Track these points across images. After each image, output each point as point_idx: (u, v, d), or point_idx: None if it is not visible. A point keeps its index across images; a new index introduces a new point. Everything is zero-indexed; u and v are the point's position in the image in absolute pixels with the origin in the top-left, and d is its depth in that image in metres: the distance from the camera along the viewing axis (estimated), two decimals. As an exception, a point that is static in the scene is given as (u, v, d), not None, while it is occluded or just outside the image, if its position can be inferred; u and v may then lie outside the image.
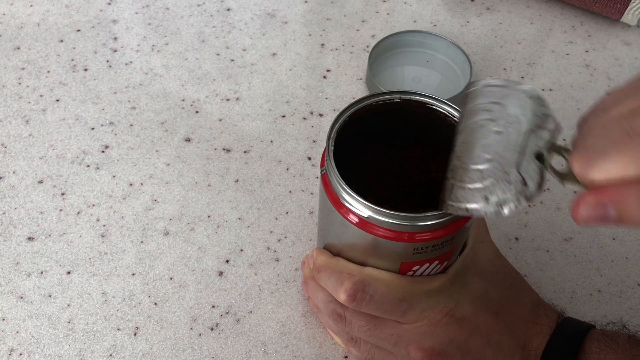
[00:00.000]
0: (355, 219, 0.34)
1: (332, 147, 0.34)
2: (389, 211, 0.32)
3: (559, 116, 0.60)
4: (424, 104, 0.37)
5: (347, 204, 0.34)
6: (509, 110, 0.31)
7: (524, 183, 0.29)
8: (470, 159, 0.31)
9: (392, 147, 0.40)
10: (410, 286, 0.36)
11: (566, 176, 0.28)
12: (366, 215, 0.33)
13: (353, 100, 0.36)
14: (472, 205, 0.30)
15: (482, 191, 0.30)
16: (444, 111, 0.37)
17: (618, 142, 0.25)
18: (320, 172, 0.36)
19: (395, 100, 0.37)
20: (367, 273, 0.36)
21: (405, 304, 0.36)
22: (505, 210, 0.29)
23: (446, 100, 0.37)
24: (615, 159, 0.25)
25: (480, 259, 0.39)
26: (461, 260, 0.38)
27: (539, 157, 0.29)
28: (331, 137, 0.35)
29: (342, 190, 0.33)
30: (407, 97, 0.37)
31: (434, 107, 0.37)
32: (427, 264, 0.36)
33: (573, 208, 0.27)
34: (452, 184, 0.32)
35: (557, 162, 0.29)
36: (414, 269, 0.36)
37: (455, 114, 0.36)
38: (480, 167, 0.30)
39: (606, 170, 0.25)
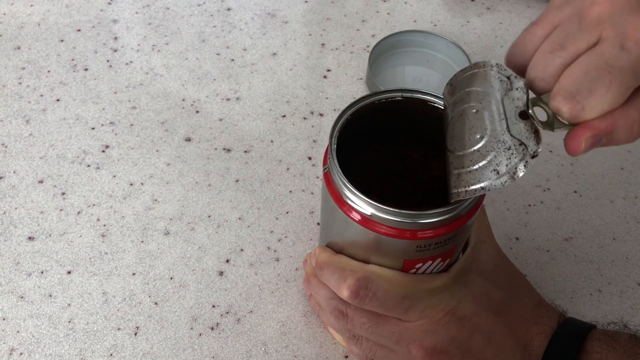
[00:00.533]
0: (357, 217, 0.34)
1: (335, 145, 0.34)
2: (391, 209, 0.32)
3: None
4: (425, 102, 0.37)
5: (349, 202, 0.34)
6: (477, 89, 0.32)
7: (522, 144, 0.30)
8: (465, 146, 0.32)
9: (394, 145, 0.40)
10: (412, 284, 0.36)
11: (553, 123, 0.30)
12: (369, 213, 0.33)
13: (355, 99, 0.36)
14: (486, 183, 0.31)
15: (488, 167, 0.31)
16: None
17: (601, 79, 0.28)
18: (323, 170, 0.36)
19: (397, 98, 0.37)
20: (370, 270, 0.36)
21: (407, 302, 0.36)
22: (520, 174, 0.30)
23: None
24: (604, 96, 0.28)
25: (483, 258, 0.39)
26: (463, 259, 0.38)
27: (523, 115, 0.31)
28: (334, 135, 0.35)
29: (344, 188, 0.33)
30: (409, 95, 0.37)
31: (435, 105, 0.37)
32: (430, 262, 0.36)
33: (572, 144, 0.30)
34: (456, 173, 0.32)
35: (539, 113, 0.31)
36: (417, 266, 0.36)
37: None
38: (476, 147, 0.31)
39: (599, 107, 0.28)
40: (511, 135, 0.30)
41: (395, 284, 0.36)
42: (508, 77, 0.32)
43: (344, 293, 0.36)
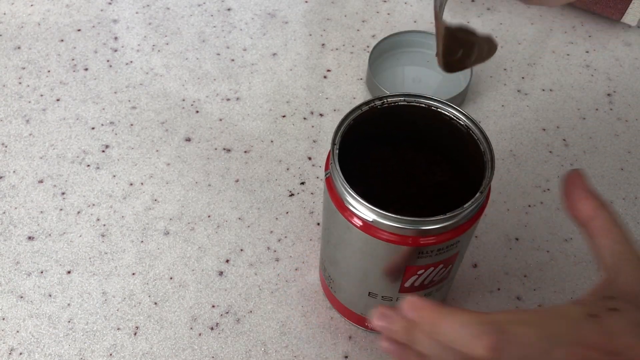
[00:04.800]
0: (359, 223, 0.34)
1: (337, 151, 0.34)
2: (393, 215, 0.32)
3: (559, 116, 0.60)
4: (428, 106, 0.37)
5: (351, 208, 0.34)
6: None
7: None
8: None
9: (396, 150, 0.40)
10: (548, 320, 0.31)
11: None
12: (370, 219, 0.33)
13: (358, 103, 0.36)
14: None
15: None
16: (448, 114, 0.37)
17: None
18: (325, 175, 0.36)
19: (400, 103, 0.37)
20: (495, 318, 0.31)
21: (548, 342, 0.30)
22: None
23: (447, 100, 0.37)
24: None
25: (627, 280, 0.33)
26: (602, 283, 0.33)
27: None
28: (336, 141, 0.35)
29: (346, 194, 0.33)
30: (412, 99, 0.37)
31: (439, 110, 0.37)
32: (432, 268, 0.36)
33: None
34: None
35: None
36: (419, 273, 0.36)
37: (461, 116, 0.36)
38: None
39: None
40: None
41: (531, 324, 0.31)
42: None
43: (479, 351, 0.30)
